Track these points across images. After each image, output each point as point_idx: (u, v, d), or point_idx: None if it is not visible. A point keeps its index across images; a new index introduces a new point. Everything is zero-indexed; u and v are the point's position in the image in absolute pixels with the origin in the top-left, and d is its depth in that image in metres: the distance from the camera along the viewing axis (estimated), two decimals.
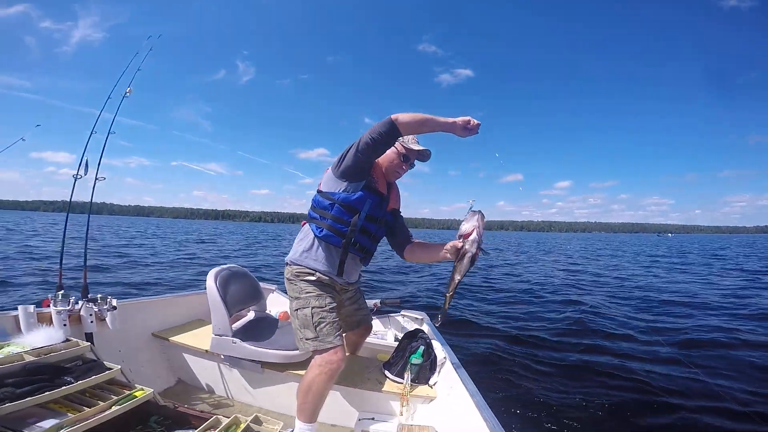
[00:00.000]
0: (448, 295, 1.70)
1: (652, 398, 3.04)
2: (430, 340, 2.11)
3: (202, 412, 1.37)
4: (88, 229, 2.16)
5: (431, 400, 1.95)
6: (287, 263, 1.87)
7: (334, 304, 1.80)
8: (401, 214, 2.06)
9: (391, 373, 2.06)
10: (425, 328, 2.62)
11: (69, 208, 2.04)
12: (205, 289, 2.82)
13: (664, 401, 2.98)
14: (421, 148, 1.85)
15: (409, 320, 2.87)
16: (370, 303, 2.82)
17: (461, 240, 1.56)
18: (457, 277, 1.60)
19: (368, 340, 2.45)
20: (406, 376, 1.95)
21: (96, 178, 2.11)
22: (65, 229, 2.03)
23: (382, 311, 3.07)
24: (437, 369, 2.07)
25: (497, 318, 5.72)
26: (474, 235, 1.51)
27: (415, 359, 2.00)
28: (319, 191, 1.81)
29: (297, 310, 1.77)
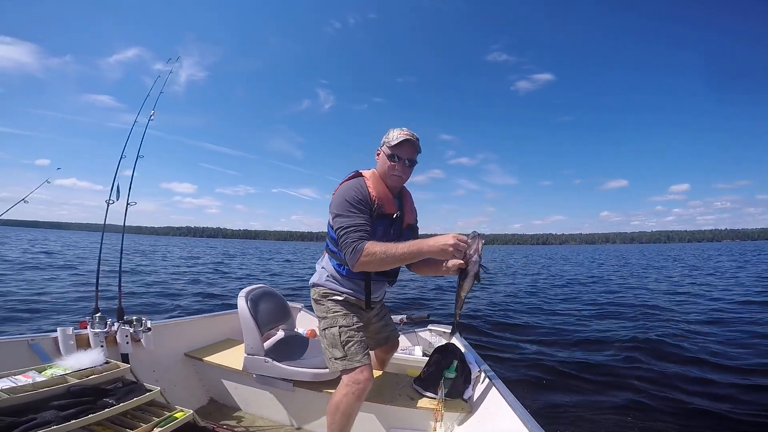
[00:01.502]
0: (457, 311, 1.71)
1: None
2: (463, 353, 2.01)
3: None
4: (122, 252, 2.14)
5: (467, 415, 1.84)
6: (312, 285, 1.82)
7: (362, 324, 1.74)
8: (417, 226, 1.95)
9: (423, 389, 1.95)
10: (456, 342, 2.51)
11: (103, 233, 2.02)
12: (235, 308, 2.77)
13: None
14: (403, 138, 1.64)
15: (437, 335, 2.76)
16: (396, 318, 2.73)
17: (464, 261, 1.52)
18: (463, 294, 1.63)
19: (396, 355, 2.35)
20: (439, 391, 1.85)
21: (128, 203, 2.10)
22: (100, 252, 2.01)
23: (409, 326, 2.97)
24: (471, 383, 1.97)
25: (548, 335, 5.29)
26: (475, 257, 1.53)
27: (449, 373, 1.89)
28: (331, 226, 1.69)
29: (325, 329, 1.71)
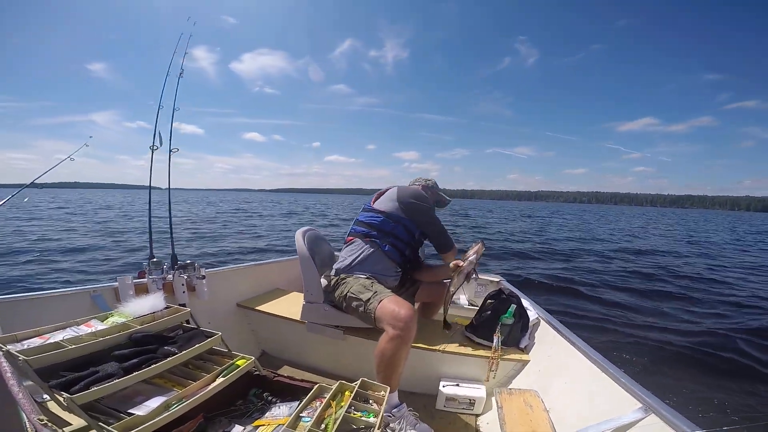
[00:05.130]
0: (446, 306, 1.82)
1: None
2: (519, 298, 1.84)
3: (303, 381, 1.22)
4: (170, 199, 2.06)
5: (525, 364, 1.70)
6: (334, 273, 1.81)
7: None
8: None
9: (477, 336, 1.83)
10: (509, 287, 2.34)
11: (150, 178, 1.93)
12: (280, 258, 2.69)
13: None
14: (447, 201, 2.09)
15: (482, 284, 2.60)
16: None
17: (462, 260, 1.71)
18: (452, 290, 1.75)
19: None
20: (495, 338, 1.71)
21: (170, 150, 1.98)
22: (150, 200, 1.93)
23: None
24: (529, 331, 1.81)
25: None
26: (473, 257, 1.70)
27: (507, 319, 1.73)
28: (378, 210, 1.79)
29: (346, 295, 1.68)
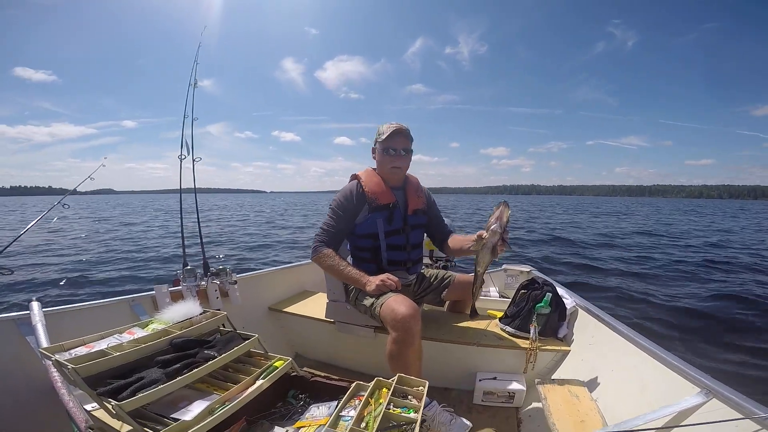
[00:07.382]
0: (474, 291, 1.57)
1: None
2: (554, 287, 1.76)
3: (340, 380, 1.20)
4: (197, 207, 2.09)
5: (565, 354, 1.62)
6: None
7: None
8: (434, 207, 1.86)
9: (511, 327, 1.76)
10: (541, 275, 2.25)
11: (180, 187, 1.97)
12: (303, 261, 2.69)
13: None
14: (391, 130, 1.62)
15: (513, 275, 2.52)
16: None
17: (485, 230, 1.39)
18: (479, 270, 1.46)
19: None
20: (531, 329, 1.64)
21: (193, 159, 2.00)
22: (181, 208, 1.97)
23: None
24: (566, 320, 1.73)
25: None
26: (495, 225, 1.36)
27: (542, 308, 1.65)
28: None
29: (356, 301, 1.69)
